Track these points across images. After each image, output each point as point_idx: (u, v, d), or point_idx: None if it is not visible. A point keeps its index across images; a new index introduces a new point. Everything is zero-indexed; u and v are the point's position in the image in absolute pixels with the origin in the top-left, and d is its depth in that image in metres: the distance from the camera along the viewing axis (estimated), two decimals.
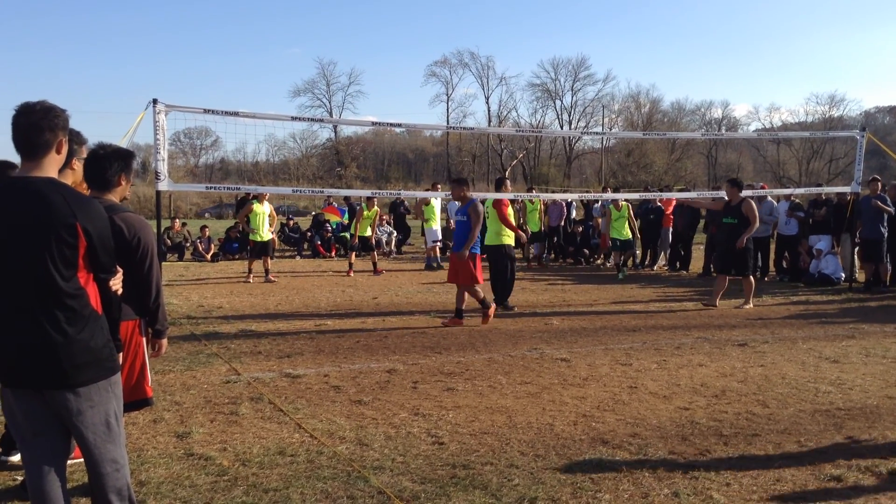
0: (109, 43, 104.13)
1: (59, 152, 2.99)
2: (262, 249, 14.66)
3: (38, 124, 2.90)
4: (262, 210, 14.60)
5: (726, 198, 11.58)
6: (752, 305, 11.30)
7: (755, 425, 5.37)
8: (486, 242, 11.28)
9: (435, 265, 17.31)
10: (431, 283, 14.45)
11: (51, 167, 2.97)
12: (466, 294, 9.82)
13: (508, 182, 11.96)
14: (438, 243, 17.88)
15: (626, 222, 15.54)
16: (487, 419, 5.51)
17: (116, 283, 3.13)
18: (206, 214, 44.95)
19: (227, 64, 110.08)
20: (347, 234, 19.92)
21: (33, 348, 2.86)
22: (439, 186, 22.04)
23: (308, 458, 4.64)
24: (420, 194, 18.97)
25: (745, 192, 12.02)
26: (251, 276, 14.54)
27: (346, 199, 23.55)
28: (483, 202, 10.57)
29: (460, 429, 5.28)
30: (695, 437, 5.09)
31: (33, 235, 2.82)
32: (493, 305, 9.99)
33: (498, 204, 10.90)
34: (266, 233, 14.68)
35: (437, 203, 17.92)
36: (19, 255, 2.82)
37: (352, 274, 15.78)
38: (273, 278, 14.59)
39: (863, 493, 4.17)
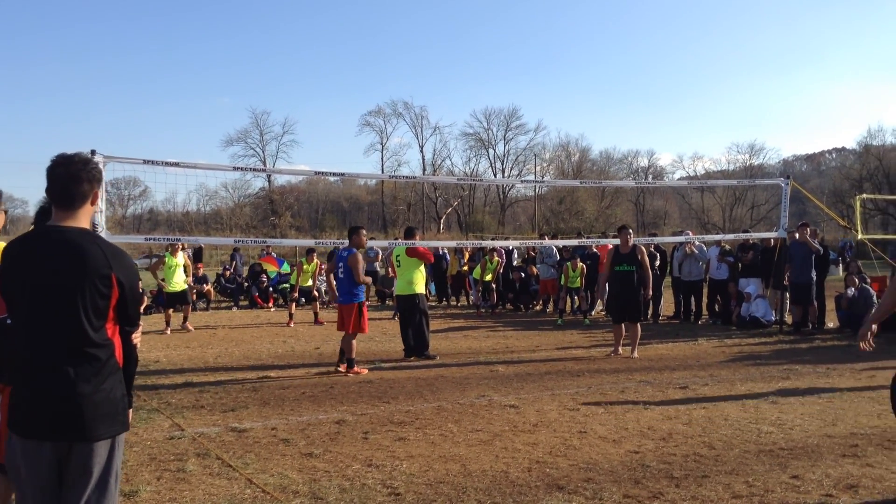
0: (41, 94, 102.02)
1: (93, 203, 3.02)
2: (180, 299, 14.77)
3: (77, 175, 2.92)
4: (176, 262, 14.69)
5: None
6: (637, 354, 10.96)
7: (704, 467, 5.49)
8: (398, 292, 11.35)
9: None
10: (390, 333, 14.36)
11: (85, 218, 3.00)
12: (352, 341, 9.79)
13: (418, 233, 12.10)
14: None
15: (580, 276, 16.57)
16: (442, 468, 5.49)
17: (137, 337, 3.11)
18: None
19: (156, 114, 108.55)
20: (287, 285, 19.70)
21: (59, 398, 2.81)
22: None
23: None
24: (383, 243, 18.58)
25: (678, 238, 12.34)
26: (168, 328, 14.47)
27: (235, 249, 23.64)
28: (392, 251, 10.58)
29: (415, 479, 5.24)
30: (647, 480, 5.17)
31: (67, 285, 2.82)
32: (357, 368, 9.74)
33: (413, 250, 11.07)
34: (177, 284, 14.72)
35: None
36: (52, 304, 2.83)
37: (292, 324, 15.60)
38: (189, 326, 14.71)
39: None
